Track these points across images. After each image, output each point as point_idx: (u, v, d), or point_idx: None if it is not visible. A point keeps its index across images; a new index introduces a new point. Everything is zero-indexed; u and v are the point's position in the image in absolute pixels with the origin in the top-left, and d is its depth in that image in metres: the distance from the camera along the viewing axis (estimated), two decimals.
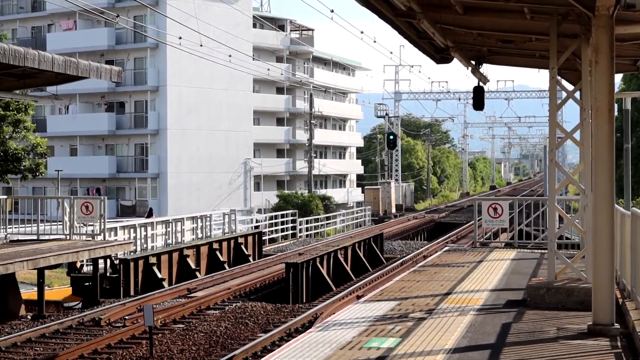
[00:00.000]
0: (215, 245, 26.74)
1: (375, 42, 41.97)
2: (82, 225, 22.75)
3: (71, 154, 66.24)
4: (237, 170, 67.11)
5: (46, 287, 20.32)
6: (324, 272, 23.41)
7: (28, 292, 22.67)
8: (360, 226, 49.74)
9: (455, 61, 16.11)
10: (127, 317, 17.60)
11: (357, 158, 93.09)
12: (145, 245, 26.21)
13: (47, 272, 20.37)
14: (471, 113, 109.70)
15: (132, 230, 25.65)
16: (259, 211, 57.07)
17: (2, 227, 22.29)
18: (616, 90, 19.69)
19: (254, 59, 62.09)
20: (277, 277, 23.58)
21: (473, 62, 16.41)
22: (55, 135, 63.38)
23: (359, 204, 72.35)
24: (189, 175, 62.99)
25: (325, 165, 78.64)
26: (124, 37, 64.47)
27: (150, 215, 40.87)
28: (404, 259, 28.46)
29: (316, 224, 44.62)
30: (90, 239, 22.28)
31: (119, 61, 62.76)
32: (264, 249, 31.43)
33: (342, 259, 25.62)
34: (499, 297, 13.11)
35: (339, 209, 60.52)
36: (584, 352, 9.27)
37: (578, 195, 14.92)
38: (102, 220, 22.49)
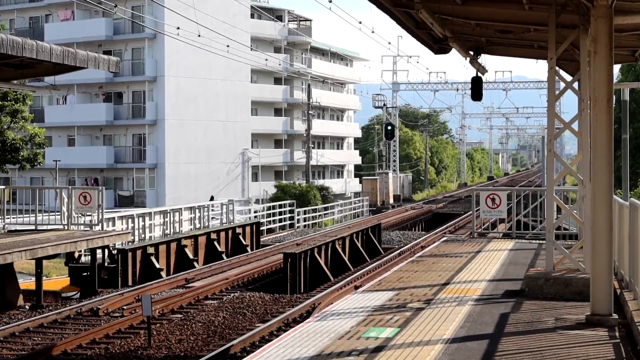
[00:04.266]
0: (213, 236, 26.73)
1: (373, 32, 41.98)
2: (80, 215, 22.75)
3: (69, 144, 66.22)
4: (235, 161, 67.12)
5: (44, 277, 20.29)
6: (322, 262, 23.42)
7: (26, 282, 22.67)
8: (358, 217, 49.73)
9: (454, 52, 16.10)
10: (125, 307, 17.60)
11: (355, 149, 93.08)
12: (143, 236, 26.25)
13: (45, 262, 20.32)
14: (469, 104, 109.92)
15: (130, 220, 25.68)
16: (257, 201, 57.05)
17: (0, 217, 22.31)
18: (614, 81, 19.71)
19: (251, 49, 61.99)
20: (275, 268, 23.58)
21: (471, 53, 16.40)
22: (53, 125, 63.36)
23: (356, 194, 72.41)
24: (186, 166, 62.99)
25: (323, 156, 78.62)
26: (122, 28, 64.38)
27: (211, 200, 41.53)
28: (402, 249, 28.44)
29: (314, 214, 44.65)
30: (88, 229, 22.28)
31: (116, 51, 62.72)
32: (261, 240, 31.43)
33: (340, 249, 25.63)
34: (497, 287, 13.13)
35: (337, 199, 60.56)
36: (582, 342, 9.28)
37: (576, 186, 14.92)
38: (100, 211, 22.49)
